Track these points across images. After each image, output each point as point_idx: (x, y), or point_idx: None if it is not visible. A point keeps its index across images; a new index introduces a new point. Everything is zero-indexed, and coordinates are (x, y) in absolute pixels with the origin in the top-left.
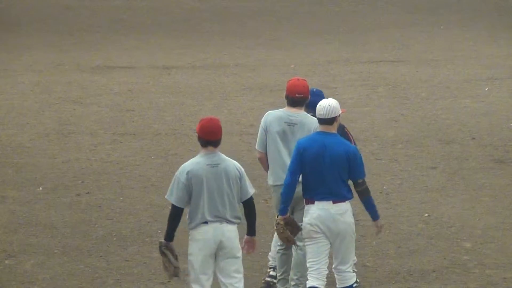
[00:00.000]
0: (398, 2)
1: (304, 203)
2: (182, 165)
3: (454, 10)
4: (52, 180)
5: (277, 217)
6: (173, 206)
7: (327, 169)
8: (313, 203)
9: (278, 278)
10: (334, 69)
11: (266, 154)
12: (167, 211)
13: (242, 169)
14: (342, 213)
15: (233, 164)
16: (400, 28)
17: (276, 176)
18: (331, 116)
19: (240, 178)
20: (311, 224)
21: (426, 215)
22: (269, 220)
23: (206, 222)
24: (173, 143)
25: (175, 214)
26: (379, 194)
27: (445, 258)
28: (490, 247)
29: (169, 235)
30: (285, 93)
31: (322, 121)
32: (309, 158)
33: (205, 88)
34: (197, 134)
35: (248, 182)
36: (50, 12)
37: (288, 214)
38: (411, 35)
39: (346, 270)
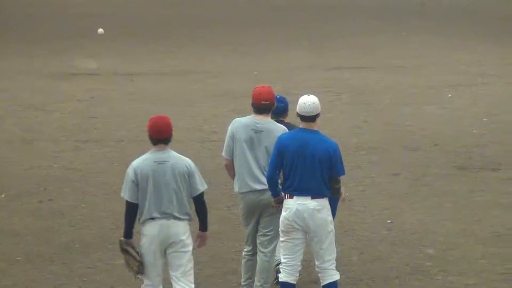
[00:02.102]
0: (366, 9)
1: (284, 198)
2: (132, 162)
3: (422, 17)
4: (15, 187)
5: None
6: (127, 202)
7: (307, 165)
8: (292, 197)
9: (242, 284)
10: (298, 76)
11: (232, 161)
12: None
13: (193, 166)
14: (320, 209)
15: (182, 161)
16: (367, 35)
17: (243, 183)
18: (315, 114)
19: (189, 174)
20: (288, 219)
21: (389, 221)
22: (232, 227)
23: (153, 218)
24: (136, 150)
25: (130, 210)
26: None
27: (407, 265)
28: (453, 253)
29: (128, 232)
30: (251, 101)
31: (305, 118)
32: (290, 154)
33: (169, 95)
34: (147, 133)
35: (198, 179)
36: (16, 20)
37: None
38: (377, 42)
39: (329, 268)
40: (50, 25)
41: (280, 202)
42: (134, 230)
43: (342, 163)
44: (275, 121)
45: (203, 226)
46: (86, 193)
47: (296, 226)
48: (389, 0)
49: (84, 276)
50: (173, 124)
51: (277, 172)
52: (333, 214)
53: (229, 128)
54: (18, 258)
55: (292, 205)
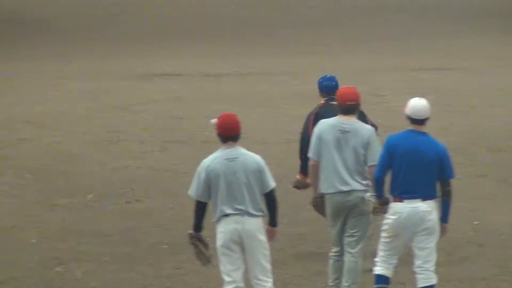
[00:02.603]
0: (446, 10)
1: (392, 201)
2: (203, 161)
3: (501, 18)
4: (102, 187)
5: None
6: (196, 201)
7: (417, 168)
8: (402, 201)
9: (330, 285)
10: (380, 77)
11: (318, 162)
12: None
13: (262, 162)
14: (430, 210)
15: (252, 157)
16: (448, 36)
17: (329, 184)
18: (425, 117)
19: (260, 171)
20: (398, 223)
21: (476, 223)
22: (318, 228)
23: (227, 215)
24: None
25: (199, 208)
26: None
27: (495, 266)
28: None
29: (197, 227)
30: (336, 101)
31: (416, 121)
32: (399, 156)
33: (253, 96)
34: (216, 131)
35: (269, 175)
36: (98, 20)
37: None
38: (459, 43)
39: (429, 269)
40: (134, 25)
41: (383, 204)
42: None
43: (451, 166)
44: (328, 99)
45: (273, 222)
46: (173, 193)
47: (405, 230)
48: (469, 1)
49: (172, 276)
50: (258, 125)
51: (386, 172)
52: (445, 217)
53: (315, 129)
54: (106, 258)
55: (403, 209)
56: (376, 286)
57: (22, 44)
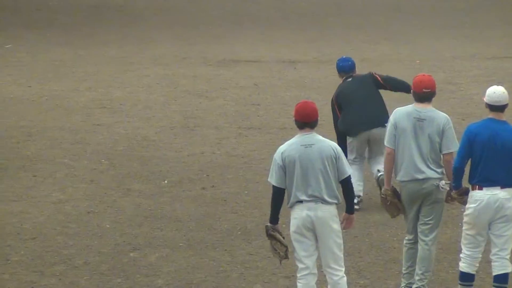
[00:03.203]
0: None
1: (470, 189)
2: (279, 147)
3: None
4: (177, 173)
5: (382, 190)
6: (274, 187)
7: (497, 156)
8: (481, 189)
9: (404, 272)
10: (459, 65)
11: (394, 150)
12: None
13: (339, 149)
14: (509, 198)
15: (328, 144)
16: None
17: (405, 171)
18: (504, 103)
19: (337, 158)
20: (478, 211)
21: None
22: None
23: (301, 201)
24: None
25: (277, 195)
26: None
27: None
28: None
29: (274, 218)
30: (411, 89)
31: (495, 108)
32: (479, 145)
33: (331, 83)
34: (294, 117)
35: (345, 162)
36: (176, 5)
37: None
38: None
39: (505, 257)
40: (211, 11)
41: (463, 194)
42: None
43: None
44: (345, 78)
45: (351, 209)
46: (248, 180)
47: (485, 218)
48: None
49: (246, 263)
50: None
51: (466, 162)
52: None
53: (391, 117)
54: (181, 244)
55: (482, 197)
56: (461, 283)
57: (101, 28)
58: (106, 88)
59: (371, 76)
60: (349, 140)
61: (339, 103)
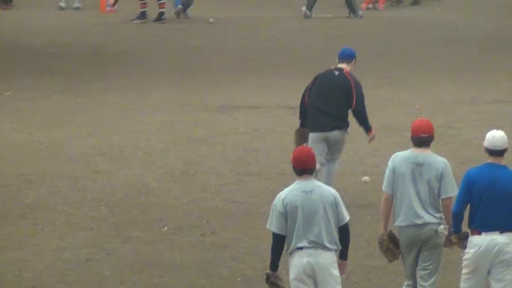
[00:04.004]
0: None
1: (469, 234)
2: (279, 194)
3: None
4: (177, 220)
5: (379, 235)
6: (274, 234)
7: (497, 201)
8: (480, 234)
9: None
10: (459, 109)
11: (392, 195)
12: None
13: (338, 195)
14: (509, 242)
15: (328, 190)
16: None
17: (404, 217)
18: (504, 147)
19: (336, 204)
20: (477, 257)
21: None
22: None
23: (301, 248)
24: None
25: (278, 242)
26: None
27: None
28: None
29: (274, 265)
30: (410, 134)
31: (494, 152)
32: (478, 190)
33: None
34: (291, 164)
35: (344, 208)
36: (175, 51)
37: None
38: None
39: None
40: (211, 57)
41: (462, 239)
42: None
43: None
44: (336, 67)
45: (345, 255)
46: (248, 226)
47: (484, 263)
48: None
49: None
50: None
51: (465, 207)
52: None
53: (390, 162)
54: None
55: (481, 242)
56: None
57: (101, 75)
58: (106, 135)
59: (349, 92)
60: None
61: (313, 84)
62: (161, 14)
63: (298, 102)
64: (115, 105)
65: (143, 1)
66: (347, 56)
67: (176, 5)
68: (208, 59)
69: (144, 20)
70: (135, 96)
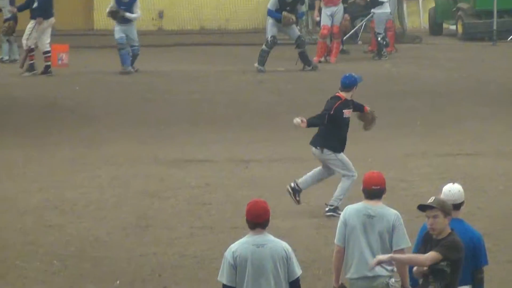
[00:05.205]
0: (475, 95)
1: None
2: (230, 246)
3: None
4: (129, 274)
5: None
6: (225, 286)
7: None
8: None
9: None
10: (411, 163)
11: (344, 248)
12: None
13: (290, 249)
14: None
15: (280, 244)
16: (477, 121)
17: (355, 269)
18: (460, 201)
19: (287, 258)
20: None
21: None
22: None
23: None
24: None
25: None
26: None
27: None
28: None
29: None
30: (361, 187)
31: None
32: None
33: (283, 182)
34: (245, 217)
35: (296, 263)
36: (127, 105)
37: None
38: (488, 128)
39: None
40: (163, 111)
41: None
42: None
43: (485, 253)
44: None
45: None
46: (201, 280)
47: None
48: (500, 86)
49: None
50: (284, 211)
51: None
52: None
53: (341, 215)
54: None
55: None
56: None
57: (52, 129)
58: (58, 188)
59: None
60: None
61: None
62: (47, 67)
63: (249, 156)
64: (67, 159)
65: (31, 53)
66: (346, 86)
67: (125, 63)
68: (159, 112)
69: (33, 72)
70: (87, 150)
